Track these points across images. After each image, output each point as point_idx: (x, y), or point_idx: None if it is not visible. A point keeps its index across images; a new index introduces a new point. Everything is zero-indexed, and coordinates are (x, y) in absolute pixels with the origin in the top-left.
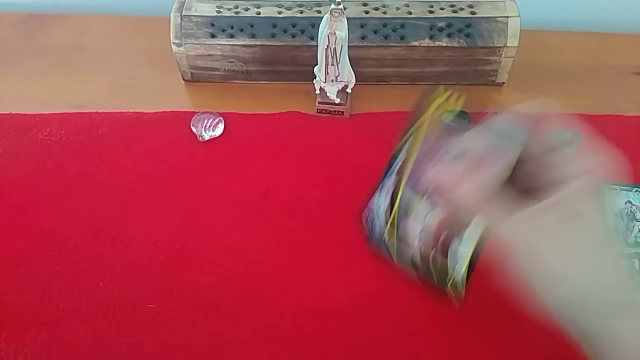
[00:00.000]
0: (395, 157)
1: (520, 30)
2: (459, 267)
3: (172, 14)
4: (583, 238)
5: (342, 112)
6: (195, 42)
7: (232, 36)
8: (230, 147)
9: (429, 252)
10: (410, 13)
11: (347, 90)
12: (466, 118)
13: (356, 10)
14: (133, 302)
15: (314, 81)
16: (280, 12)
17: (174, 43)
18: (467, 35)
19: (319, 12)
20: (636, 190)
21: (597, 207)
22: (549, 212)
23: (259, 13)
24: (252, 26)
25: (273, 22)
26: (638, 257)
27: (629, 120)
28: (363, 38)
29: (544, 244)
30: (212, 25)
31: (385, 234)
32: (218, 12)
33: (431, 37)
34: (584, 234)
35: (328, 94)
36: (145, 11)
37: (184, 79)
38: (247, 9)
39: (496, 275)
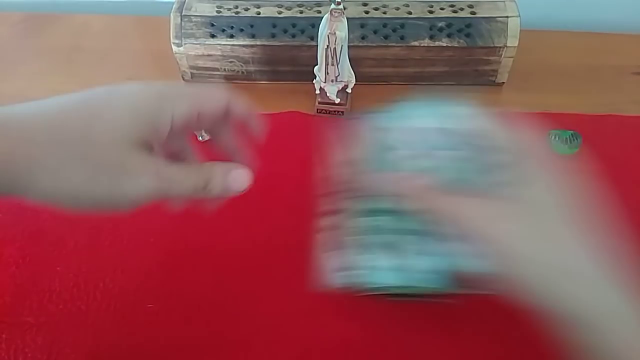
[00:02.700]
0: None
1: (520, 30)
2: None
3: (172, 14)
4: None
5: (342, 112)
6: (195, 42)
7: (232, 36)
8: None
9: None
10: (410, 13)
11: (347, 90)
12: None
13: (356, 10)
14: (133, 302)
15: (314, 81)
16: (280, 12)
17: (174, 43)
18: (467, 35)
19: (319, 12)
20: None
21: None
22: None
23: (259, 13)
24: (252, 26)
25: (273, 22)
26: None
27: (629, 120)
28: (363, 38)
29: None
30: (212, 25)
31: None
32: (218, 12)
33: (431, 37)
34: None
35: (328, 94)
36: (145, 11)
37: (184, 79)
38: (247, 9)
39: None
